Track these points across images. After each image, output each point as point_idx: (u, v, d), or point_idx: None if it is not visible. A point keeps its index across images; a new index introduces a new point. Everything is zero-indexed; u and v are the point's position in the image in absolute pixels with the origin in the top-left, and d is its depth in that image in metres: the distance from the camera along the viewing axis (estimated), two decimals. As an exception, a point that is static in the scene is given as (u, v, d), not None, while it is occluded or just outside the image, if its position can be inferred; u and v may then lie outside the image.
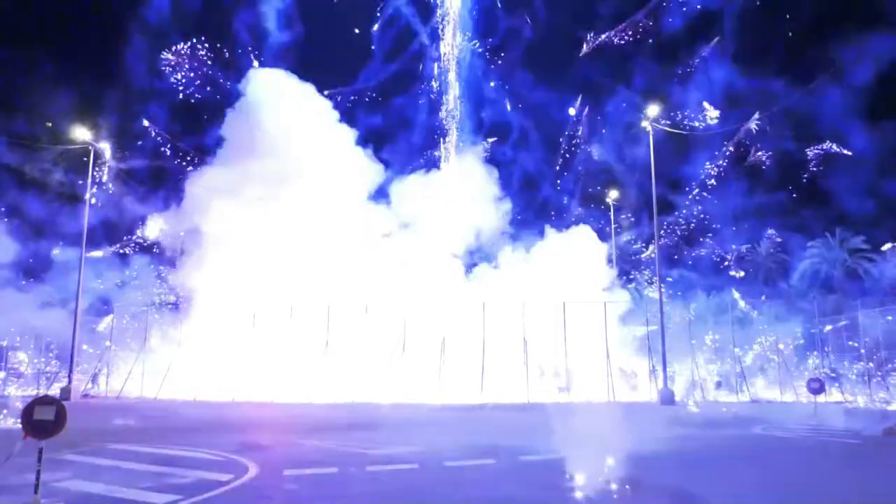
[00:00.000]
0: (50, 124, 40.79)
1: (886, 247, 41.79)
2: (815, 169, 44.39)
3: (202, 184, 38.97)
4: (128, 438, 14.59)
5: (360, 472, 10.14)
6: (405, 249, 39.00)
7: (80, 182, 40.72)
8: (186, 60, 46.09)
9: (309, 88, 40.93)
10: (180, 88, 46.28)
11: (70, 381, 30.84)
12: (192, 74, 46.24)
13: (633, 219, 43.50)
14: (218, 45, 47.19)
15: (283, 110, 39.52)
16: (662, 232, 39.34)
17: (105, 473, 9.80)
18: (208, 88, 45.94)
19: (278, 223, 36.51)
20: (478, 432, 17.76)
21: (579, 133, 48.67)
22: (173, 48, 46.19)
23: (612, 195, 43.40)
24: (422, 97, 48.94)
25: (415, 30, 49.16)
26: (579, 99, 49.74)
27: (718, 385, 33.60)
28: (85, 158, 34.00)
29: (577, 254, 38.46)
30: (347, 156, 40.37)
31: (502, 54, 49.50)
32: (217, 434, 16.41)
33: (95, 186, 33.87)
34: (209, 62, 46.30)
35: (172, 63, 45.98)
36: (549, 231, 42.40)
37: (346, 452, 12.52)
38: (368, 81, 47.43)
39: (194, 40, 46.45)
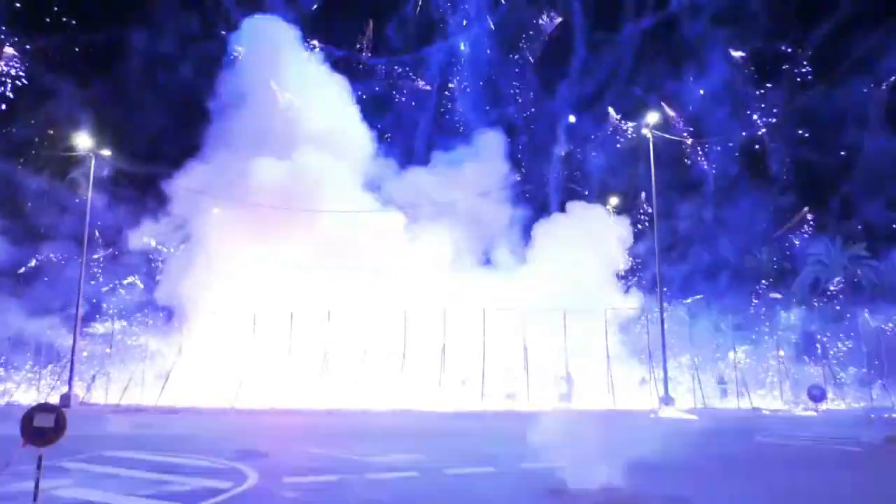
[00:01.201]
0: (52, 131, 40.50)
1: None
2: (824, 173, 44.28)
3: (191, 184, 38.54)
4: (127, 446, 14.56)
5: (360, 480, 10.11)
6: (406, 252, 38.71)
7: (65, 183, 40.38)
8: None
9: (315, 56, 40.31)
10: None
11: (70, 388, 30.79)
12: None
13: (641, 225, 43.06)
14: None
15: (282, 66, 38.44)
16: (664, 237, 39.27)
17: (104, 481, 9.76)
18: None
19: (278, 224, 36.16)
20: (478, 440, 17.73)
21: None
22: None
23: (613, 202, 43.31)
24: (429, 93, 48.45)
25: (424, 23, 48.51)
26: (582, 102, 49.45)
27: (721, 381, 33.49)
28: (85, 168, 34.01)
29: (588, 232, 38.28)
30: (354, 146, 39.85)
31: (515, 53, 48.95)
32: (216, 441, 16.37)
33: (92, 192, 33.39)
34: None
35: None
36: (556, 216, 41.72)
37: (346, 460, 12.48)
38: (375, 72, 46.77)
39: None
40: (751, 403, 31.83)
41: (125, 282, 41.45)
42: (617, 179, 44.57)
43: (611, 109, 46.28)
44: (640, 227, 41.88)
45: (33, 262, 40.07)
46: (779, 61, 45.09)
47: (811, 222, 43.83)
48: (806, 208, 43.76)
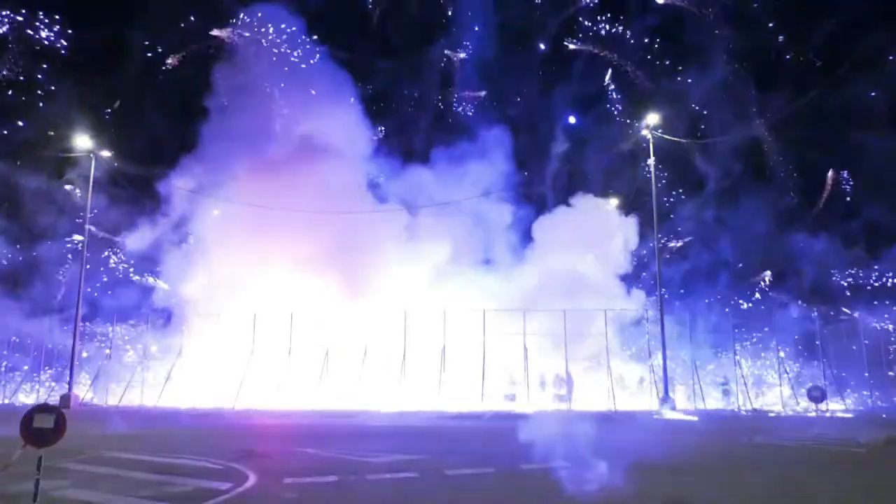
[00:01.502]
0: (52, 133, 40.21)
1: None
2: (827, 174, 44.12)
3: (190, 184, 38.34)
4: (127, 446, 14.55)
5: (360, 481, 10.10)
6: (406, 251, 38.63)
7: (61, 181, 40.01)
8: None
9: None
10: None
11: (70, 389, 30.81)
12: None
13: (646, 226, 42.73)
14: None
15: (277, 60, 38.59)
16: (664, 238, 39.26)
17: (104, 482, 9.75)
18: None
19: (278, 224, 36.04)
20: (478, 440, 17.73)
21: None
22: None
23: (613, 202, 43.17)
24: (431, 91, 48.11)
25: (427, 20, 47.98)
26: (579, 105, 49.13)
27: (724, 384, 33.51)
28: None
29: (590, 229, 38.12)
30: (354, 145, 39.64)
31: (515, 54, 48.53)
32: (216, 442, 16.38)
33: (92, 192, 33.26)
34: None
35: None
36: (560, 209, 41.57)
37: (345, 461, 12.48)
38: (372, 74, 46.34)
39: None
40: (751, 404, 31.82)
41: (124, 282, 41.37)
42: (619, 179, 44.35)
43: (612, 91, 46.16)
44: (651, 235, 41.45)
45: (31, 262, 39.98)
46: (781, 61, 44.90)
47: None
48: (830, 171, 43.40)
